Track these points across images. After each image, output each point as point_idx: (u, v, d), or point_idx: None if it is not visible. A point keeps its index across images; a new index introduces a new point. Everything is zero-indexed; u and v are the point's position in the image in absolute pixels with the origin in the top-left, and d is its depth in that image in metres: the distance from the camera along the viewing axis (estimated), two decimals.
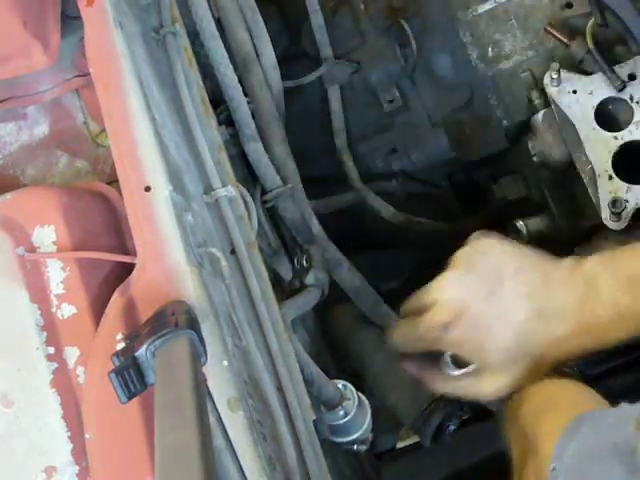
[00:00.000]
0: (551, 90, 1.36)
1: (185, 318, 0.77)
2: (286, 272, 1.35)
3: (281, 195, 1.27)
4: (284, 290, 1.30)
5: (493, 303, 1.02)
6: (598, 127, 1.33)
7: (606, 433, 0.80)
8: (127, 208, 0.87)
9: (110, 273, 0.94)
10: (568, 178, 1.43)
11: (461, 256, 1.07)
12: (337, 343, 1.49)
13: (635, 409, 0.81)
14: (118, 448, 0.83)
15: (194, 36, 1.20)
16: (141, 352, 0.74)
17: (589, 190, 1.35)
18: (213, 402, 0.76)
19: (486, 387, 1.07)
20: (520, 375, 1.05)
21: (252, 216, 1.14)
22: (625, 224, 1.32)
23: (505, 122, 1.53)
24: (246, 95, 1.26)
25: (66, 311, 0.90)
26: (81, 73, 1.08)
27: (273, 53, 1.35)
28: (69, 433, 0.88)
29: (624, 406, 0.85)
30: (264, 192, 1.28)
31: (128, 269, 0.87)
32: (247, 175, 1.31)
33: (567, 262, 1.04)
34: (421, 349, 1.12)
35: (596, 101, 1.34)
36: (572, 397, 1.02)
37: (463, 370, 1.09)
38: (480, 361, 1.06)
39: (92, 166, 1.10)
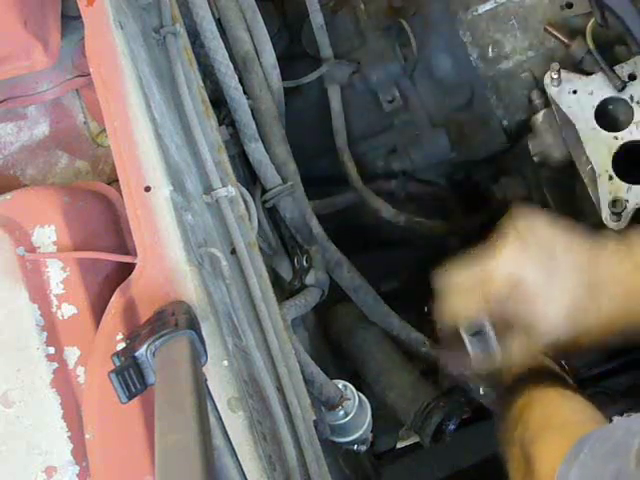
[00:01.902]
0: (551, 90, 1.36)
1: (185, 318, 0.77)
2: (286, 272, 1.35)
3: (281, 193, 1.27)
4: (284, 290, 1.30)
5: (548, 277, 1.04)
6: (598, 127, 1.33)
7: (605, 462, 0.80)
8: (127, 208, 0.87)
9: (110, 273, 0.94)
10: (568, 178, 1.43)
11: (512, 232, 1.08)
12: (337, 343, 1.49)
13: (630, 430, 0.80)
14: (118, 448, 0.83)
15: (194, 36, 1.20)
16: (141, 352, 0.74)
17: (589, 190, 1.35)
18: (213, 402, 0.76)
19: (526, 352, 1.09)
20: (559, 347, 1.08)
21: (252, 216, 1.14)
22: (625, 224, 1.32)
23: (505, 122, 1.53)
24: (246, 95, 1.26)
25: (66, 311, 0.90)
26: (81, 73, 1.08)
27: (273, 53, 1.35)
28: (69, 433, 0.88)
29: (619, 423, 0.84)
30: (264, 192, 1.28)
31: (128, 269, 0.87)
32: (247, 175, 1.31)
33: (613, 244, 1.07)
34: (474, 319, 1.10)
35: (596, 101, 1.34)
36: (568, 416, 1.02)
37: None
38: (528, 329, 1.06)
39: (92, 166, 1.10)
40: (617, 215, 1.30)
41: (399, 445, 1.76)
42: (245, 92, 1.26)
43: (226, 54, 1.21)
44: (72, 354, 0.90)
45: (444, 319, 1.11)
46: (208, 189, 1.04)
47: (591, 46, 1.38)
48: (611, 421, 0.86)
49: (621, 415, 0.86)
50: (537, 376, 1.19)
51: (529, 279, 1.04)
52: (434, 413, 1.36)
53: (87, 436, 0.83)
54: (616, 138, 1.33)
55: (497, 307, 1.06)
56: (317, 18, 1.51)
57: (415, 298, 1.73)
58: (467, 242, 1.68)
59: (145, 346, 0.74)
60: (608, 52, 1.38)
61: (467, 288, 1.08)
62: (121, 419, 0.82)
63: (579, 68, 1.39)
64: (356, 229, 1.65)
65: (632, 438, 0.78)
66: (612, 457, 0.79)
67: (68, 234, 0.92)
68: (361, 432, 1.19)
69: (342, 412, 1.16)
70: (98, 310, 0.89)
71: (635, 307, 1.02)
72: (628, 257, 1.05)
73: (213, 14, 1.22)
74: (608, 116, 1.35)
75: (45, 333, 0.89)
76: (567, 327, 1.04)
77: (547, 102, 1.40)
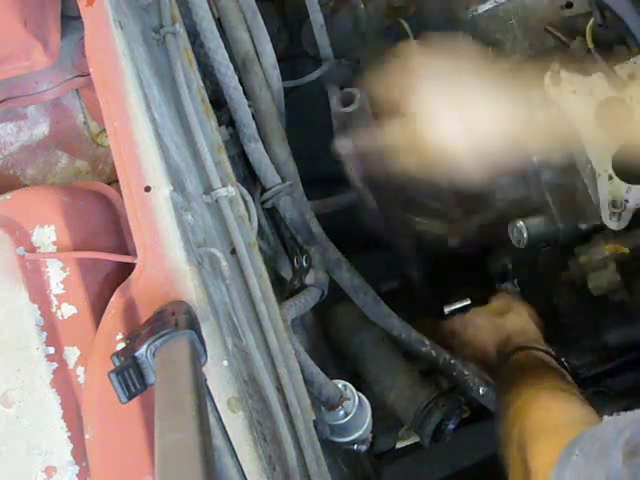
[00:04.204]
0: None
1: (185, 318, 0.77)
2: (286, 272, 1.35)
3: (280, 192, 1.27)
4: (284, 290, 1.30)
5: None
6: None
7: (596, 462, 0.80)
8: (127, 208, 0.87)
9: (110, 273, 0.94)
10: (568, 178, 1.43)
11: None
12: (337, 343, 1.49)
13: (616, 427, 0.81)
14: (118, 448, 0.83)
15: (194, 36, 1.20)
16: (141, 352, 0.74)
17: (589, 190, 1.35)
18: (213, 402, 0.76)
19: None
20: None
21: (252, 216, 1.14)
22: (625, 224, 1.32)
23: None
24: (246, 95, 1.26)
25: (66, 311, 0.90)
26: (81, 73, 1.08)
27: (273, 53, 1.35)
28: (69, 433, 0.88)
29: (607, 422, 0.85)
30: (264, 192, 1.28)
31: (128, 269, 0.87)
32: (247, 175, 1.31)
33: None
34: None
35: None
36: (561, 418, 1.03)
37: None
38: None
39: (92, 166, 1.10)
40: (617, 215, 1.30)
41: (399, 445, 1.76)
42: (245, 92, 1.26)
43: (226, 54, 1.21)
44: (72, 354, 0.90)
45: None
46: (208, 189, 1.04)
47: (591, 46, 1.38)
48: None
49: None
50: (536, 373, 1.20)
51: None
52: (434, 413, 1.36)
53: (87, 436, 0.83)
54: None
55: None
56: (317, 18, 1.51)
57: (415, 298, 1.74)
58: (467, 242, 1.69)
59: (145, 346, 0.74)
60: (608, 52, 1.38)
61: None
62: (121, 419, 0.82)
63: (579, 68, 1.39)
64: (356, 229, 1.65)
65: (619, 435, 0.78)
66: (602, 456, 0.79)
67: (68, 234, 0.92)
68: (361, 432, 1.19)
69: (342, 412, 1.16)
70: (98, 310, 0.89)
71: None
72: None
73: (213, 14, 1.22)
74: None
75: (45, 333, 0.89)
76: None
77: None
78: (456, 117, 1.17)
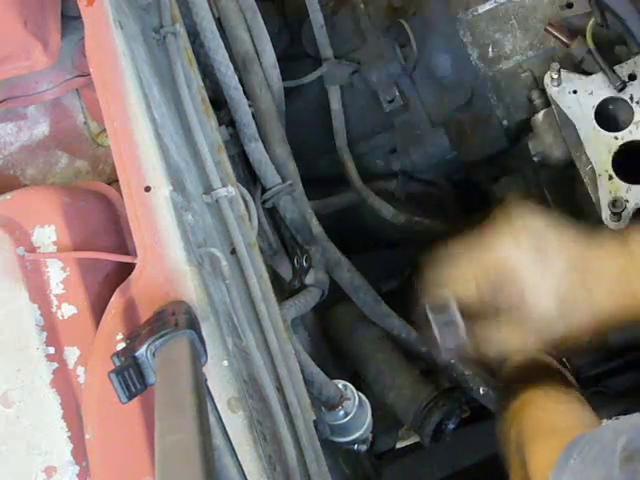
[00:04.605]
0: (551, 90, 1.36)
1: (185, 318, 0.77)
2: (286, 272, 1.35)
3: (280, 192, 1.27)
4: (284, 290, 1.30)
5: (539, 266, 1.04)
6: (598, 127, 1.33)
7: (593, 467, 0.80)
8: (127, 208, 0.87)
9: (110, 273, 0.94)
10: (568, 178, 1.43)
11: (505, 223, 1.08)
12: (337, 343, 1.49)
13: (615, 431, 0.81)
14: (118, 448, 0.83)
15: (194, 36, 1.20)
16: (141, 352, 0.74)
17: (589, 190, 1.35)
18: (213, 402, 0.76)
19: (515, 341, 1.07)
20: (551, 340, 1.06)
21: (252, 216, 1.14)
22: (625, 224, 1.32)
23: (505, 122, 1.53)
24: (246, 95, 1.26)
25: (66, 311, 0.90)
26: (81, 73, 1.08)
27: (273, 53, 1.35)
28: (69, 433, 0.88)
29: (606, 426, 0.84)
30: (264, 192, 1.28)
31: (128, 269, 0.87)
32: (247, 175, 1.31)
33: (609, 239, 1.07)
34: (465, 297, 1.08)
35: (596, 101, 1.34)
36: (559, 421, 1.03)
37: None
38: (518, 316, 1.05)
39: (92, 166, 1.10)
40: (617, 215, 1.30)
41: (399, 445, 1.76)
42: (245, 92, 1.26)
43: (226, 54, 1.21)
44: (72, 354, 0.90)
45: (429, 288, 1.08)
46: (208, 189, 1.04)
47: (591, 46, 1.38)
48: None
49: (619, 415, 0.86)
50: (537, 374, 1.19)
51: (521, 265, 1.03)
52: (434, 412, 1.36)
53: (87, 436, 0.83)
54: (616, 138, 1.33)
55: (486, 289, 1.05)
56: (317, 18, 1.51)
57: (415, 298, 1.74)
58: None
59: (145, 346, 0.74)
60: (608, 52, 1.38)
61: (459, 262, 1.07)
62: (121, 419, 0.82)
63: (579, 68, 1.39)
64: (356, 229, 1.65)
65: (617, 440, 0.78)
66: (599, 461, 0.79)
67: (68, 234, 0.92)
68: (361, 432, 1.19)
69: (342, 412, 1.16)
70: (98, 310, 0.89)
71: (627, 301, 1.02)
72: (622, 252, 1.04)
73: (213, 14, 1.22)
74: (608, 116, 1.35)
75: (45, 333, 0.89)
76: (559, 319, 1.03)
77: (547, 102, 1.40)
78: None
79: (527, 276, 1.03)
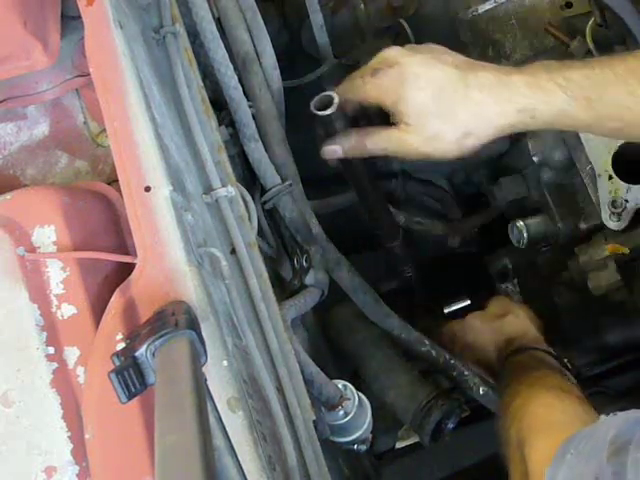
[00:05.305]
0: None
1: (185, 318, 0.77)
2: (286, 272, 1.35)
3: (281, 192, 1.27)
4: (284, 290, 1.30)
5: (421, 63, 1.15)
6: None
7: (587, 461, 0.80)
8: (127, 208, 0.87)
9: (110, 273, 0.94)
10: (568, 178, 1.43)
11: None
12: (337, 343, 1.49)
13: (609, 426, 0.81)
14: (118, 448, 0.83)
15: (194, 36, 1.20)
16: (141, 352, 0.74)
17: (589, 190, 1.35)
18: (213, 402, 0.76)
19: (408, 143, 1.16)
20: (436, 137, 1.14)
21: (252, 216, 1.14)
22: (625, 224, 1.32)
23: None
24: (246, 95, 1.26)
25: (66, 311, 0.90)
26: (81, 73, 1.08)
27: (273, 53, 1.35)
28: (69, 433, 0.88)
29: (602, 421, 0.85)
30: (264, 192, 1.28)
31: (128, 269, 0.87)
32: (247, 175, 1.31)
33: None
34: (355, 98, 1.22)
35: None
36: (558, 418, 1.03)
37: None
38: (398, 113, 1.14)
39: (92, 166, 1.10)
40: (617, 215, 1.30)
41: (399, 445, 1.76)
42: (245, 92, 1.26)
43: (226, 54, 1.21)
44: (72, 354, 0.90)
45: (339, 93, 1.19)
46: (208, 189, 1.04)
47: (591, 46, 1.38)
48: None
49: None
50: (538, 372, 1.20)
51: (402, 62, 1.18)
52: (433, 411, 1.36)
53: (87, 436, 0.83)
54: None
55: (371, 80, 1.19)
56: (317, 18, 1.51)
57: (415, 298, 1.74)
58: (467, 242, 1.69)
59: (145, 346, 0.74)
60: (608, 52, 1.38)
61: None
62: (121, 419, 0.82)
63: None
64: (356, 229, 1.65)
65: (608, 434, 0.78)
66: (593, 455, 0.79)
67: (68, 234, 0.92)
68: (361, 432, 1.18)
69: (342, 412, 1.16)
70: (98, 310, 0.89)
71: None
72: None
73: (213, 14, 1.22)
74: None
75: (45, 333, 0.89)
76: (433, 110, 1.13)
77: None
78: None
79: (408, 71, 1.14)
